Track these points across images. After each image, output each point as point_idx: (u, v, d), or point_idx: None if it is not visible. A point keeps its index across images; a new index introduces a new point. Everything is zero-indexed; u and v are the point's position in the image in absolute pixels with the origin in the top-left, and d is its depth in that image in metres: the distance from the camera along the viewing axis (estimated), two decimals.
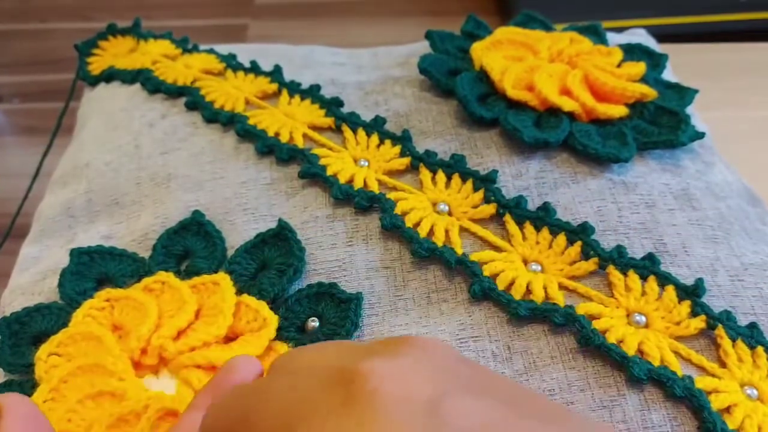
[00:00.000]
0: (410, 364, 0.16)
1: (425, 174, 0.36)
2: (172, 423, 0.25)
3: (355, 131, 0.39)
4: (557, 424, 0.16)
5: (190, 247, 0.33)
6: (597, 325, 0.28)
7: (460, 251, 0.32)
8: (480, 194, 0.34)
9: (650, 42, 0.48)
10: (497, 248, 0.32)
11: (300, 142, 0.38)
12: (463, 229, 0.33)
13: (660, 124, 0.38)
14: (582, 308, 0.29)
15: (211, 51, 0.46)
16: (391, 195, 0.34)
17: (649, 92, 0.38)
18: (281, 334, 0.28)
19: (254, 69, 0.44)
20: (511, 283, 0.30)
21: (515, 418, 0.16)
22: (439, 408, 0.15)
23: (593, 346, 0.28)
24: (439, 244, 0.32)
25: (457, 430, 0.15)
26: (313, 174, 0.36)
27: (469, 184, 0.35)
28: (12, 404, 0.20)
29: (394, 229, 0.33)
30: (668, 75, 0.44)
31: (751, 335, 0.28)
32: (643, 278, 0.30)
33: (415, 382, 0.16)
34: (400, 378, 0.16)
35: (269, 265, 0.31)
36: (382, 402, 0.15)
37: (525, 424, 0.16)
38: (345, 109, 0.41)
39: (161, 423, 0.25)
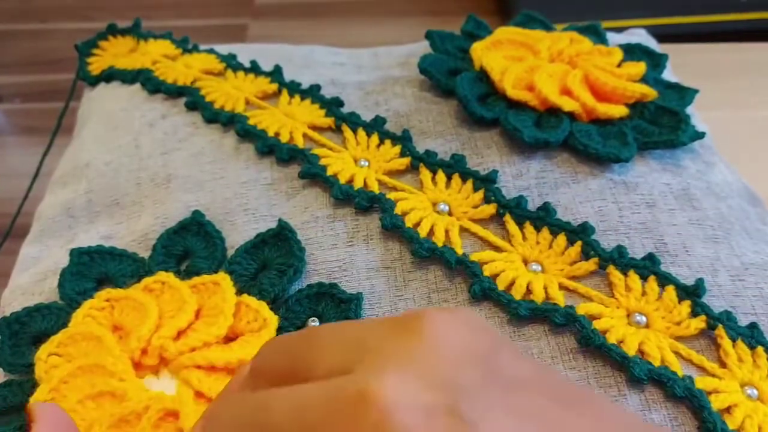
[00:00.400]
0: (466, 319, 0.17)
1: (425, 174, 0.36)
2: (173, 423, 0.25)
3: (355, 131, 0.39)
4: (588, 411, 0.16)
5: (190, 247, 0.33)
6: (597, 325, 0.28)
7: (460, 251, 0.32)
8: (480, 194, 0.34)
9: (650, 42, 0.48)
10: (497, 248, 0.32)
11: (300, 142, 0.38)
12: (463, 229, 0.33)
13: (660, 124, 0.38)
14: (582, 308, 0.29)
15: (211, 51, 0.46)
16: (392, 195, 0.34)
17: (650, 92, 0.38)
18: (281, 334, 0.28)
19: (254, 69, 0.44)
20: (512, 284, 0.30)
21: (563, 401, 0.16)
22: (496, 359, 0.16)
23: (594, 346, 0.28)
24: (440, 244, 0.32)
25: (512, 380, 0.15)
26: (314, 174, 0.35)
27: (469, 184, 0.35)
28: (44, 412, 0.20)
29: (395, 229, 0.33)
30: (668, 75, 0.44)
31: (751, 335, 0.28)
32: (644, 278, 0.30)
33: (473, 335, 0.16)
34: (456, 328, 0.16)
35: (269, 265, 0.31)
36: (440, 344, 0.15)
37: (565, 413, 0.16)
38: (345, 109, 0.41)
39: (162, 423, 0.25)
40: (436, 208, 0.34)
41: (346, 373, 0.15)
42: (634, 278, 0.30)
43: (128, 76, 0.44)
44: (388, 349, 0.15)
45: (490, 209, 0.34)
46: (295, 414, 0.15)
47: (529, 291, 0.30)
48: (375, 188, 0.35)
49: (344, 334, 0.17)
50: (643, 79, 0.40)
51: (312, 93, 0.42)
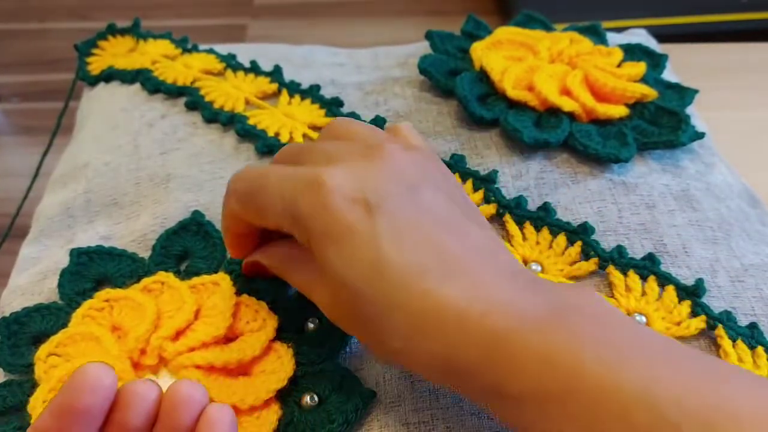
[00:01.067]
0: (412, 158, 0.25)
1: None
2: None
3: None
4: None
5: (189, 247, 0.33)
6: None
7: None
8: (480, 194, 0.34)
9: (650, 42, 0.48)
10: None
11: (300, 143, 0.38)
12: None
13: (660, 125, 0.38)
14: None
15: (210, 51, 0.46)
16: None
17: (650, 92, 0.38)
18: (281, 335, 0.28)
19: (254, 69, 0.44)
20: None
21: (463, 217, 0.24)
22: (419, 189, 0.24)
23: None
24: None
25: (421, 203, 0.24)
26: None
27: (469, 184, 0.35)
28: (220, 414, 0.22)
29: None
30: (668, 75, 0.44)
31: (751, 335, 0.28)
32: (643, 278, 0.30)
33: (411, 168, 0.25)
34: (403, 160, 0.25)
35: None
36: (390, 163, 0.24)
37: (469, 222, 0.24)
38: (345, 109, 0.41)
39: None
40: None
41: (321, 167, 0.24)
42: (633, 278, 0.30)
43: (128, 76, 0.44)
44: (350, 161, 0.24)
45: (490, 209, 0.34)
46: (281, 181, 0.24)
47: None
48: None
49: (332, 145, 0.26)
50: (643, 79, 0.40)
51: (312, 93, 0.42)
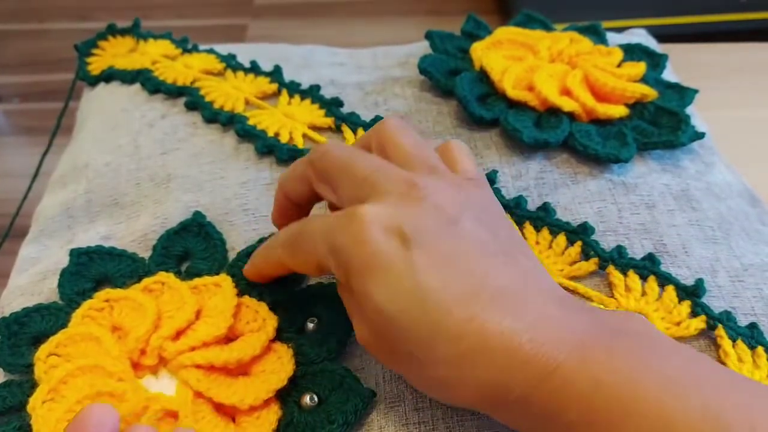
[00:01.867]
0: (449, 189, 0.25)
1: None
2: (172, 423, 0.25)
3: (355, 131, 0.39)
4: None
5: (190, 248, 0.33)
6: None
7: None
8: None
9: (650, 42, 0.48)
10: None
11: (300, 143, 0.38)
12: None
13: (660, 125, 0.38)
14: None
15: (211, 51, 0.46)
16: None
17: (650, 92, 0.38)
18: (281, 335, 0.28)
19: (254, 69, 0.44)
20: None
21: (506, 246, 0.24)
22: (461, 220, 0.24)
23: None
24: None
25: (466, 238, 0.23)
26: None
27: None
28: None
29: None
30: (668, 75, 0.44)
31: (751, 335, 0.28)
32: (643, 278, 0.30)
33: (450, 202, 0.24)
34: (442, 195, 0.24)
35: None
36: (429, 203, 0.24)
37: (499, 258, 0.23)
38: (345, 109, 0.41)
39: (160, 424, 0.25)
40: None
41: (360, 201, 0.24)
42: (633, 278, 0.30)
43: (128, 76, 0.44)
44: (388, 199, 0.24)
45: None
46: (323, 222, 0.25)
47: None
48: None
49: (373, 166, 0.25)
50: (643, 79, 0.40)
51: (312, 93, 0.42)
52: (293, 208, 0.29)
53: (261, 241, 0.32)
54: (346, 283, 0.24)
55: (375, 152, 0.28)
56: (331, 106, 0.40)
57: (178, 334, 0.28)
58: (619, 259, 0.31)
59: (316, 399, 0.26)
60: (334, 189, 0.26)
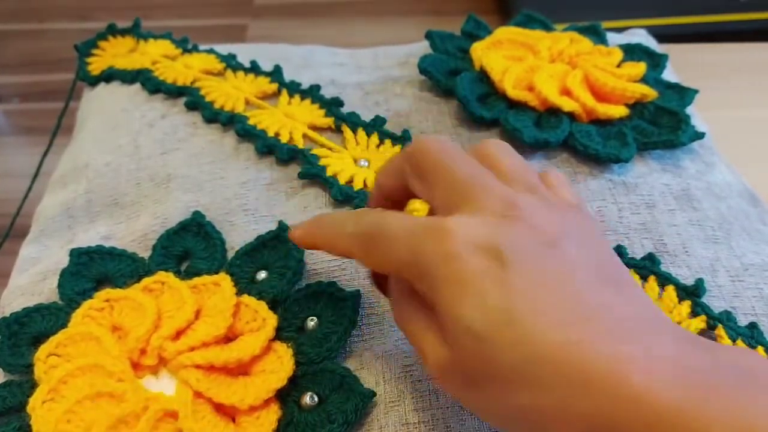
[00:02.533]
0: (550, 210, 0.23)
1: None
2: (172, 424, 0.25)
3: (355, 131, 0.39)
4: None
5: (190, 248, 0.33)
6: None
7: None
8: None
9: (650, 42, 0.48)
10: None
11: (300, 143, 0.38)
12: None
13: (660, 125, 0.38)
14: None
15: (211, 51, 0.46)
16: None
17: (650, 92, 0.38)
18: (280, 334, 0.28)
19: (254, 69, 0.44)
20: None
21: (610, 272, 0.22)
22: (556, 246, 0.22)
23: None
24: None
25: (568, 262, 0.22)
26: (313, 175, 0.35)
27: None
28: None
29: None
30: (668, 75, 0.44)
31: (751, 335, 0.28)
32: (644, 278, 0.30)
33: (550, 224, 0.23)
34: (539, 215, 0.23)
35: (269, 267, 0.31)
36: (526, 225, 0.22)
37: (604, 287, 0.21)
38: (345, 109, 0.41)
39: (160, 425, 0.25)
40: None
41: (450, 212, 0.23)
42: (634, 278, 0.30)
43: (128, 76, 0.44)
44: (482, 214, 0.22)
45: None
46: (405, 227, 0.23)
47: None
48: None
49: (468, 181, 0.24)
50: (643, 79, 0.40)
51: (312, 93, 0.42)
52: (390, 207, 0.27)
53: (259, 240, 0.32)
54: (430, 299, 0.22)
55: None
56: (332, 106, 0.40)
57: (178, 334, 0.28)
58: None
59: (316, 399, 0.26)
60: (429, 187, 0.25)
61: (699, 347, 0.20)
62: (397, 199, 0.27)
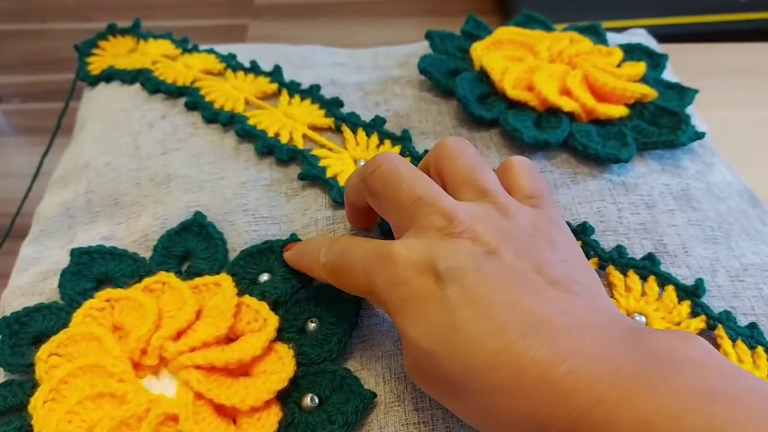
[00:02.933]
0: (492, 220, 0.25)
1: None
2: (173, 427, 0.25)
3: (354, 131, 0.39)
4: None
5: (191, 248, 0.33)
6: None
7: None
8: None
9: (650, 42, 0.48)
10: None
11: (300, 143, 0.38)
12: None
13: (660, 125, 0.38)
14: None
15: (211, 51, 0.46)
16: None
17: (650, 92, 0.38)
18: (281, 335, 0.28)
19: (254, 69, 0.44)
20: None
21: (544, 284, 0.23)
22: (496, 255, 0.23)
23: None
24: None
25: (503, 269, 0.23)
26: (313, 176, 0.35)
27: None
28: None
29: None
30: (668, 75, 0.44)
31: (751, 335, 0.28)
32: (643, 278, 0.30)
33: (488, 233, 0.24)
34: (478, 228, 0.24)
35: (274, 271, 0.31)
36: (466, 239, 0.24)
37: (550, 291, 0.23)
38: (345, 109, 0.41)
39: (161, 428, 0.25)
40: None
41: (400, 233, 0.26)
42: (633, 278, 0.30)
43: (128, 76, 0.44)
44: (428, 231, 0.24)
45: None
46: (362, 257, 0.25)
47: None
48: None
49: (412, 204, 0.25)
50: (643, 79, 0.40)
51: (312, 93, 0.42)
52: (362, 211, 0.30)
53: (267, 244, 0.32)
54: (391, 319, 0.24)
55: (432, 173, 0.28)
56: (332, 106, 0.40)
57: (178, 334, 0.28)
58: (618, 259, 0.31)
59: (316, 400, 0.26)
60: (383, 210, 0.27)
61: (631, 342, 0.21)
62: (367, 208, 0.29)
